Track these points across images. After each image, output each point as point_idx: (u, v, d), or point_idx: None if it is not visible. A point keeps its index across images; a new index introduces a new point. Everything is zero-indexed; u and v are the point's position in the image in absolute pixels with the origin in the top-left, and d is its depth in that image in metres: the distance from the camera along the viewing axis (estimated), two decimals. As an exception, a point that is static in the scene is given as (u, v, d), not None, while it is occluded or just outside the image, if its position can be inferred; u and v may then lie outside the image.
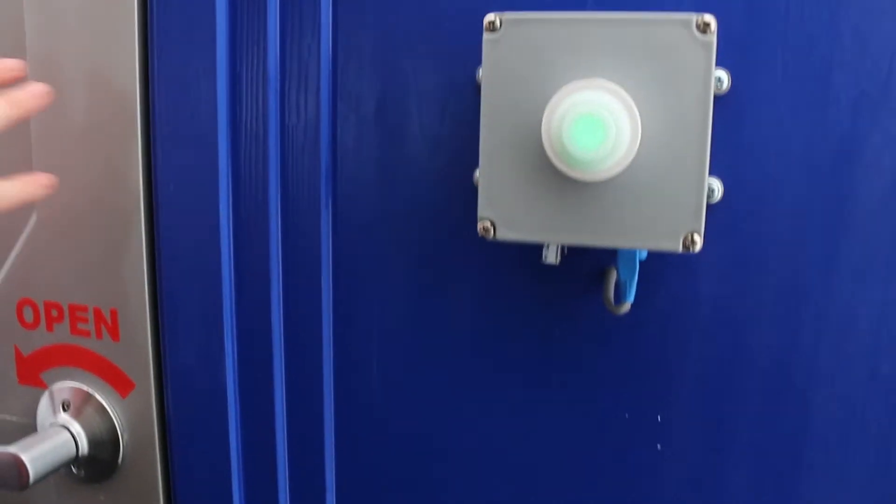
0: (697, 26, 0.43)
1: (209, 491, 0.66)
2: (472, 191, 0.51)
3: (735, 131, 0.49)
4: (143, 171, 0.61)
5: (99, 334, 0.67)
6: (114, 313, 0.65)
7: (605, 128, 0.42)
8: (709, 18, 0.43)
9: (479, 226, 0.48)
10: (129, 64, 0.61)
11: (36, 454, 0.65)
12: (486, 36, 0.46)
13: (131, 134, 0.61)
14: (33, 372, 0.71)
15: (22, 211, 0.62)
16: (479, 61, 0.48)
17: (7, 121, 0.56)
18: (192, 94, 0.59)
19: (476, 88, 0.52)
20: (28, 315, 0.70)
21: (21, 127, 0.58)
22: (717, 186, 0.49)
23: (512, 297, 0.55)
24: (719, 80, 0.48)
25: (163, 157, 0.60)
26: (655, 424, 0.54)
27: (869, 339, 0.49)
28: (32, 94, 0.57)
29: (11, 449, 0.64)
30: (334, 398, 0.60)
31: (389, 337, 0.59)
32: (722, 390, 0.52)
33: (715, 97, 0.46)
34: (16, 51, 0.62)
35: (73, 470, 0.71)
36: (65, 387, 0.70)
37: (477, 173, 0.49)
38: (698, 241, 0.44)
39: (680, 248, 0.45)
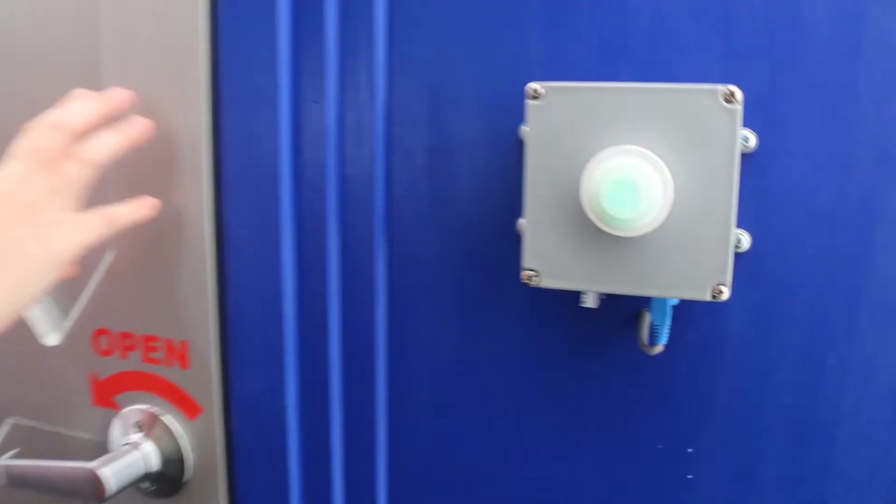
0: (724, 97, 0.47)
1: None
2: (516, 236, 0.56)
3: (762, 186, 0.53)
4: (212, 215, 0.67)
5: (170, 362, 0.72)
6: (184, 344, 0.71)
7: (637, 192, 0.46)
8: (734, 89, 0.47)
9: (524, 274, 0.52)
10: (198, 119, 0.66)
11: (112, 470, 0.70)
12: (530, 102, 0.50)
13: (200, 181, 0.67)
14: (107, 395, 0.77)
15: (98, 248, 0.67)
16: (520, 118, 0.53)
17: (119, 150, 0.63)
18: (258, 147, 0.64)
19: (518, 143, 0.57)
20: (104, 343, 0.76)
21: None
22: (745, 237, 0.53)
23: (553, 336, 0.59)
24: (746, 139, 0.52)
25: (231, 202, 0.66)
26: (686, 455, 0.58)
27: (890, 382, 0.52)
28: (139, 127, 0.64)
29: (90, 465, 0.70)
30: (387, 426, 0.65)
31: (439, 370, 0.63)
32: (748, 425, 0.56)
33: (743, 155, 0.51)
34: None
35: (143, 485, 0.77)
36: (137, 409, 0.75)
37: (520, 221, 0.54)
38: (725, 291, 0.48)
39: (708, 298, 0.48)
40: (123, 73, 0.68)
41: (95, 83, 0.69)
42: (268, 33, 0.62)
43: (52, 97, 0.73)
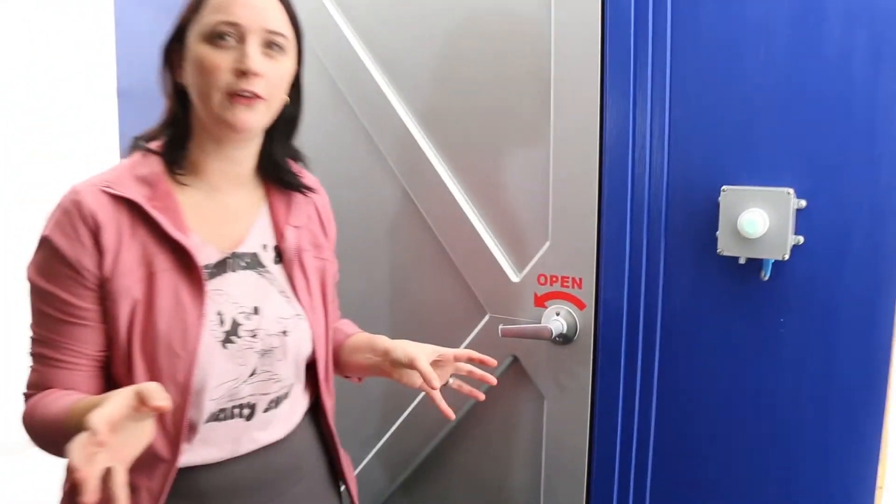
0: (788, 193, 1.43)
1: (610, 348, 1.73)
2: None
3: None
4: (598, 184, 1.73)
5: (573, 286, 1.77)
6: (581, 279, 1.77)
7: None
8: (790, 190, 1.43)
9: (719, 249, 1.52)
10: (594, 127, 1.73)
11: (553, 327, 1.77)
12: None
13: (594, 168, 1.73)
14: (542, 301, 1.83)
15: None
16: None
17: None
18: (616, 143, 1.69)
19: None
20: (542, 280, 1.82)
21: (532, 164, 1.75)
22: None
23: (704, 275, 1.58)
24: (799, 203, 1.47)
25: (608, 171, 1.70)
26: (779, 324, 1.53)
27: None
28: None
29: (544, 324, 1.79)
30: (662, 299, 1.67)
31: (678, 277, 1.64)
32: (806, 307, 1.50)
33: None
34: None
35: (555, 339, 1.83)
36: (556, 307, 1.82)
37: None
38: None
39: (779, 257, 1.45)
40: (568, 82, 1.78)
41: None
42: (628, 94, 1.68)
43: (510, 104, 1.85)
